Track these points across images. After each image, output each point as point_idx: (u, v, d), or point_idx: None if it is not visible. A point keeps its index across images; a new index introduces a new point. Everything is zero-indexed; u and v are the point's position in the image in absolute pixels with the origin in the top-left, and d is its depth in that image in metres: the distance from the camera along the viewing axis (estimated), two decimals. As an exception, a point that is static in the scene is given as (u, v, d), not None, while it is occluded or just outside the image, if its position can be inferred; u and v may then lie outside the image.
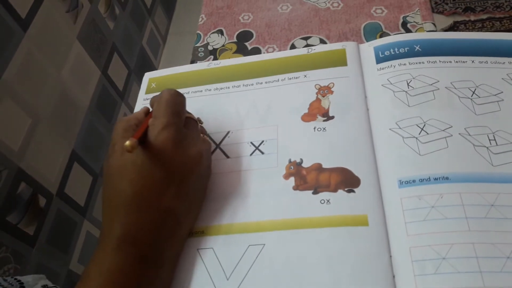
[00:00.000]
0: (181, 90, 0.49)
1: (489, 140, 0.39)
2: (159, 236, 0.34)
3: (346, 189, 0.38)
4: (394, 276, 0.34)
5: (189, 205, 0.37)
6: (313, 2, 0.55)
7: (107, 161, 0.37)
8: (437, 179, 0.37)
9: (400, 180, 0.38)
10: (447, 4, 1.13)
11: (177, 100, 0.38)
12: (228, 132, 0.45)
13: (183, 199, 0.36)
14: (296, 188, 0.39)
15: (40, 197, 0.90)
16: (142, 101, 0.50)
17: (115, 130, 0.38)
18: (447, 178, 0.37)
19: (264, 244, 0.37)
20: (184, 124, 0.38)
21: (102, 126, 1.15)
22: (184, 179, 0.36)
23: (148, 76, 0.52)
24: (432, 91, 0.42)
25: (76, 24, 1.07)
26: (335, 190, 0.38)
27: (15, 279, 0.67)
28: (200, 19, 0.57)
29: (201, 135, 0.41)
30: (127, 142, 0.32)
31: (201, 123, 0.44)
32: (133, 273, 0.32)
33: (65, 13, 1.03)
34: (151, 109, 0.40)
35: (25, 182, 0.86)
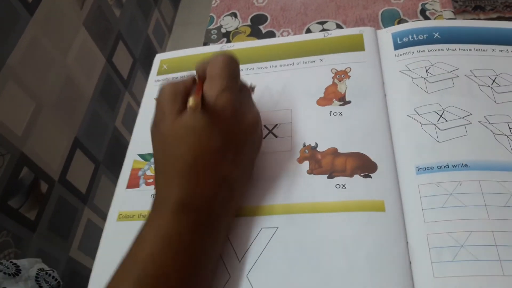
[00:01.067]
0: (193, 73, 0.48)
1: (510, 128, 0.38)
2: (215, 204, 0.33)
3: (362, 174, 0.37)
4: (410, 263, 0.33)
5: (242, 173, 0.36)
6: (330, -13, 0.54)
7: (157, 127, 0.35)
8: (455, 166, 0.37)
9: (418, 167, 0.37)
10: (456, 2, 1.13)
11: (233, 62, 0.36)
12: (241, 115, 0.44)
13: (238, 166, 0.35)
14: (310, 172, 0.38)
15: (42, 183, 0.89)
16: (153, 83, 0.49)
17: (161, 95, 0.36)
18: (466, 166, 0.36)
19: (277, 227, 0.36)
20: (239, 89, 0.37)
21: (106, 114, 1.14)
22: (240, 146, 0.35)
23: (159, 57, 0.51)
24: (451, 78, 0.41)
25: (82, 10, 1.06)
26: (351, 175, 0.37)
27: (11, 262, 0.66)
28: (214, 1, 0.56)
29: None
30: (191, 101, 0.31)
31: (253, 91, 0.41)
32: (191, 238, 0.32)
33: (72, -2, 1.02)
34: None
35: (27, 167, 0.85)
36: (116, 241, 0.38)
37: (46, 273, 0.68)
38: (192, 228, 0.32)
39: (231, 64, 0.36)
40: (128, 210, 0.40)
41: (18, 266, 0.66)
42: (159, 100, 0.36)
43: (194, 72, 0.38)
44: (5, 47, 0.82)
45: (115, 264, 0.37)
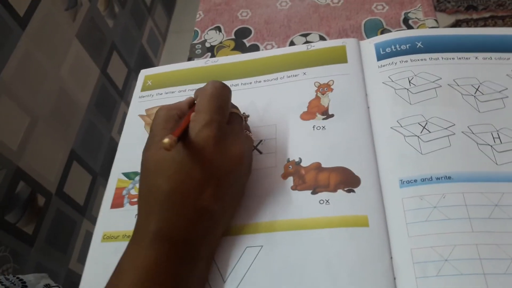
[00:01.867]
0: (178, 88, 0.48)
1: (493, 138, 0.38)
2: (194, 234, 0.34)
3: (345, 189, 0.37)
4: (395, 278, 0.33)
5: (226, 205, 0.36)
6: (313, -2, 0.54)
7: (145, 152, 0.36)
8: (439, 179, 0.36)
9: (401, 180, 0.37)
10: (449, 2, 1.12)
11: (222, 94, 0.37)
12: (226, 131, 0.44)
13: (220, 199, 0.35)
14: (294, 188, 0.38)
15: (39, 196, 0.89)
16: (138, 99, 0.49)
17: (156, 119, 0.37)
18: (449, 178, 0.36)
19: (262, 246, 0.36)
20: (228, 120, 0.37)
21: (102, 125, 1.14)
22: (223, 179, 0.35)
23: (144, 73, 0.51)
24: (434, 88, 0.41)
25: (75, 22, 1.07)
26: (334, 190, 0.37)
27: (17, 277, 0.66)
28: (198, 15, 0.56)
29: (245, 131, 0.39)
30: (166, 140, 0.31)
31: (246, 119, 0.42)
32: (169, 268, 0.32)
33: (63, 11, 1.03)
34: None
35: (23, 181, 0.86)
36: (101, 262, 0.39)
37: (52, 289, 0.68)
38: (169, 258, 0.32)
39: (219, 95, 0.36)
40: (113, 231, 0.40)
41: (24, 282, 0.66)
42: (152, 126, 0.36)
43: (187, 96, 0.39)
44: (-2, 63, 0.82)
45: (101, 285, 0.37)
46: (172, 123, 0.36)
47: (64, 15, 1.03)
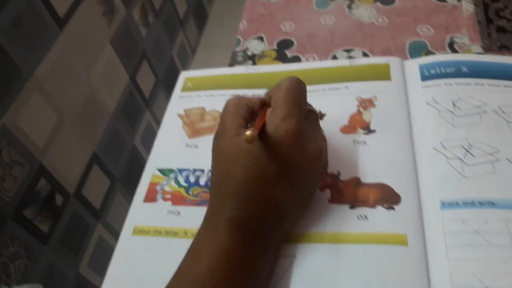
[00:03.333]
0: (217, 92, 0.48)
1: (539, 168, 0.37)
2: (266, 224, 0.34)
3: (385, 205, 0.36)
4: (432, 302, 0.32)
5: (297, 202, 0.35)
6: (357, 16, 0.54)
7: (217, 140, 0.36)
8: (482, 204, 0.35)
9: (442, 202, 0.36)
10: (482, 40, 1.12)
11: (298, 88, 0.36)
12: (262, 139, 0.43)
13: (293, 195, 0.34)
14: (332, 201, 0.38)
15: (57, 196, 0.90)
16: (177, 98, 0.49)
17: (225, 108, 0.36)
18: (492, 204, 0.35)
19: (295, 256, 0.35)
20: (304, 117, 0.36)
21: (125, 131, 1.15)
22: (299, 175, 0.34)
23: (184, 75, 0.52)
24: (479, 113, 0.41)
25: (110, 28, 1.09)
26: (373, 206, 0.37)
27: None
28: (241, 24, 0.57)
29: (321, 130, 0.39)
30: (248, 132, 0.31)
31: (323, 118, 0.41)
32: (244, 254, 0.32)
33: (101, 16, 1.05)
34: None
35: (44, 179, 0.86)
36: (129, 255, 0.38)
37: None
38: (245, 244, 0.32)
39: (296, 89, 0.36)
40: (144, 225, 0.39)
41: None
42: (223, 113, 0.36)
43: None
44: (34, 59, 0.84)
45: (127, 279, 0.36)
46: (242, 111, 0.36)
47: (101, 19, 1.05)
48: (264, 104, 0.38)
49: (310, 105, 0.39)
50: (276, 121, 0.34)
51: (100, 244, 1.02)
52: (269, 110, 0.35)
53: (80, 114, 0.97)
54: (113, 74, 1.10)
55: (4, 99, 0.77)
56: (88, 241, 0.99)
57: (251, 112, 0.37)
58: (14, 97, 0.78)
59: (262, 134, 0.33)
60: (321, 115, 0.40)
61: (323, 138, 0.37)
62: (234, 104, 0.36)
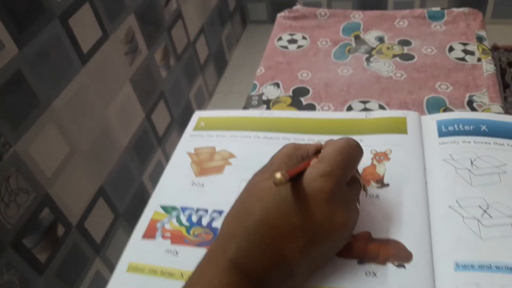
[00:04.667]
0: (229, 133, 0.48)
1: (561, 236, 0.35)
2: (268, 276, 0.31)
3: (396, 263, 0.34)
4: None
5: (309, 264, 0.33)
6: (376, 69, 0.54)
7: (255, 175, 0.35)
8: (499, 268, 0.33)
9: (457, 263, 0.34)
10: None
11: (352, 153, 0.35)
12: (271, 183, 0.42)
13: (305, 256, 0.32)
14: (340, 255, 0.36)
15: (59, 226, 0.88)
16: (189, 137, 0.49)
17: (280, 151, 0.36)
18: (510, 269, 0.33)
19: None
20: (347, 182, 0.34)
21: (135, 168, 1.15)
22: (317, 238, 0.32)
23: (198, 114, 0.52)
24: (498, 173, 0.39)
25: (131, 67, 1.11)
26: (383, 263, 0.35)
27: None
28: (259, 70, 0.57)
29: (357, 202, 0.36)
30: (278, 174, 0.29)
31: (366, 190, 0.39)
32: None
33: (123, 55, 1.07)
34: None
35: (49, 208, 0.85)
36: (122, 294, 0.36)
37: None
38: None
39: (348, 152, 0.34)
40: (140, 262, 0.38)
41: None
42: (275, 154, 0.36)
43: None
44: (53, 91, 0.85)
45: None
46: (294, 161, 0.34)
47: (123, 58, 1.07)
48: (318, 149, 0.37)
49: (358, 174, 0.37)
50: (314, 174, 0.32)
51: (97, 279, 0.99)
52: (313, 161, 0.34)
53: (92, 147, 0.97)
54: (129, 111, 1.12)
55: (19, 127, 0.77)
56: (85, 275, 0.96)
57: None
58: (29, 126, 0.79)
59: (296, 183, 0.32)
60: (364, 188, 0.38)
61: (356, 211, 0.35)
62: (288, 152, 0.35)
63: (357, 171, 0.37)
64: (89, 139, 0.96)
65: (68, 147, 0.90)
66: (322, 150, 0.36)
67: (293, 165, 0.34)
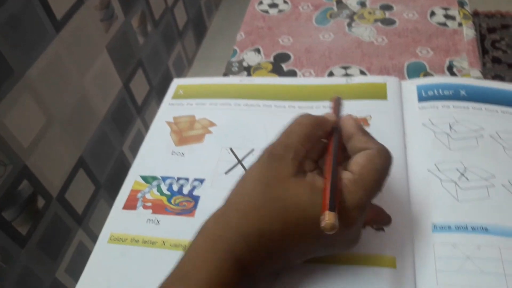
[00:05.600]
0: (209, 101, 0.47)
1: (535, 196, 0.36)
2: (267, 271, 0.31)
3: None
4: (419, 328, 0.30)
5: (303, 258, 0.32)
6: (357, 34, 0.54)
7: (272, 161, 0.30)
8: (475, 229, 0.34)
9: (434, 224, 0.35)
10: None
11: (388, 169, 0.31)
12: (252, 150, 0.42)
13: (304, 256, 0.31)
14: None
15: (39, 198, 0.87)
16: (167, 105, 0.48)
17: (297, 129, 0.31)
18: (486, 229, 0.34)
19: (278, 274, 0.33)
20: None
21: (114, 138, 1.13)
22: (330, 249, 0.31)
23: (177, 82, 0.51)
24: (476, 137, 0.40)
25: (107, 34, 1.08)
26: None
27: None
28: (239, 36, 0.56)
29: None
30: (327, 220, 0.26)
31: (386, 225, 0.35)
32: None
33: (99, 21, 1.04)
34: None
35: (27, 180, 0.84)
36: (104, 263, 0.36)
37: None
38: (236, 282, 0.28)
39: (385, 171, 0.30)
40: (121, 233, 0.38)
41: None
42: (289, 132, 0.32)
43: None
44: (27, 60, 0.82)
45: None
46: (313, 143, 0.31)
47: (98, 25, 1.04)
48: (334, 125, 0.33)
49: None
50: (353, 204, 0.28)
51: (80, 249, 0.99)
52: (347, 180, 0.29)
53: (70, 117, 0.95)
54: (107, 80, 1.09)
55: (-7, 97, 0.75)
56: (67, 246, 0.96)
57: (320, 142, 0.33)
58: (3, 96, 0.77)
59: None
60: (386, 223, 0.35)
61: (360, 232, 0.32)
62: (307, 131, 0.31)
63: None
64: (67, 109, 0.94)
65: (45, 117, 0.87)
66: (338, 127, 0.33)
67: (312, 148, 0.31)
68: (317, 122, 0.32)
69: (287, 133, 0.32)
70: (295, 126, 0.32)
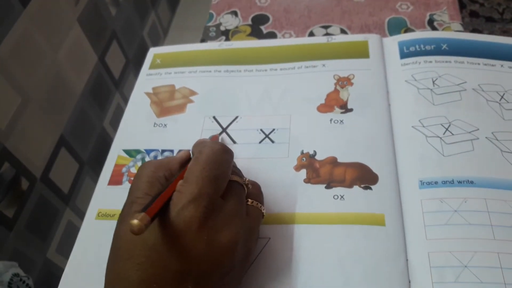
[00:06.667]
0: (188, 69, 0.46)
1: (518, 146, 0.36)
2: None
3: (362, 185, 0.35)
4: (410, 282, 0.31)
5: None
6: (335, -8, 0.52)
7: (118, 225, 0.29)
8: (461, 182, 0.35)
9: (421, 181, 0.35)
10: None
11: (221, 160, 0.29)
12: (236, 117, 0.41)
13: None
14: (307, 181, 0.36)
15: (23, 180, 0.86)
16: (145, 76, 0.46)
17: (138, 179, 0.30)
18: (471, 182, 0.35)
19: (270, 238, 0.34)
20: (225, 191, 0.29)
21: (94, 114, 1.11)
22: (207, 274, 0.27)
23: (153, 51, 0.49)
24: (459, 91, 0.40)
25: (77, 6, 1.04)
26: (350, 186, 0.35)
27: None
28: (214, -1, 0.54)
29: (251, 203, 0.32)
30: (135, 221, 0.24)
31: (248, 187, 0.33)
32: None
33: (67, -7, 1.00)
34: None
35: (8, 163, 0.82)
36: (93, 240, 0.36)
37: (21, 280, 0.64)
38: None
39: (217, 162, 0.29)
40: (108, 208, 0.37)
41: (-8, 270, 0.62)
42: (132, 186, 0.30)
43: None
44: (-6, 38, 0.79)
45: (90, 263, 0.35)
46: (158, 188, 0.29)
47: (67, -3, 1.00)
48: (185, 162, 0.32)
49: (236, 175, 0.32)
50: (181, 202, 0.27)
51: (69, 228, 0.99)
52: (180, 183, 0.28)
53: (46, 95, 0.92)
54: (81, 55, 1.06)
55: (-38, 78, 0.72)
56: (56, 226, 0.96)
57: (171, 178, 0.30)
58: (-27, 77, 0.74)
59: (164, 218, 0.27)
60: (247, 185, 0.32)
61: (245, 220, 0.30)
62: (147, 178, 0.29)
63: (234, 169, 0.32)
64: (42, 87, 0.91)
65: (20, 97, 0.85)
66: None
67: (159, 193, 0.27)
68: (157, 164, 0.31)
69: (130, 191, 0.30)
70: (135, 178, 0.30)
